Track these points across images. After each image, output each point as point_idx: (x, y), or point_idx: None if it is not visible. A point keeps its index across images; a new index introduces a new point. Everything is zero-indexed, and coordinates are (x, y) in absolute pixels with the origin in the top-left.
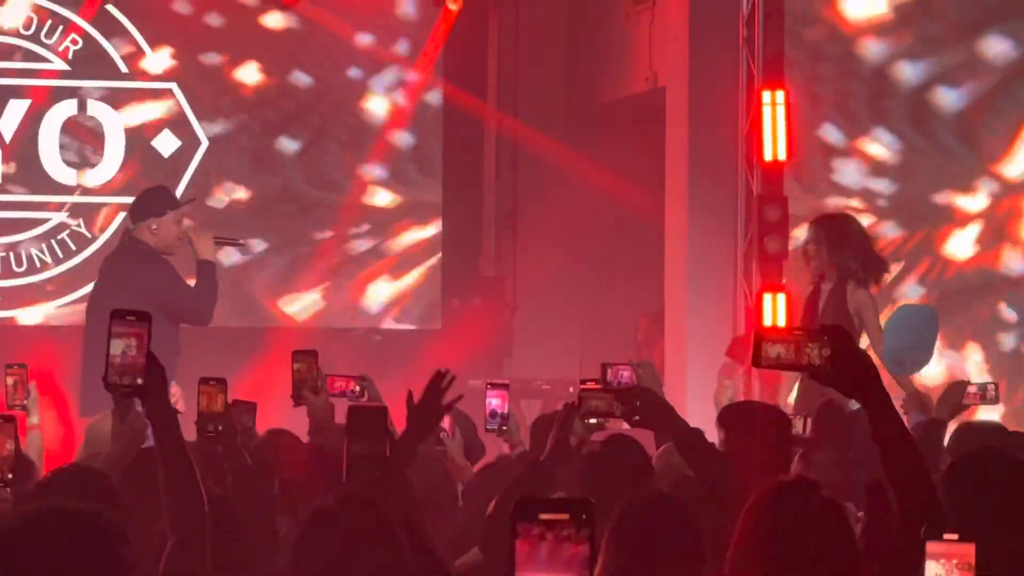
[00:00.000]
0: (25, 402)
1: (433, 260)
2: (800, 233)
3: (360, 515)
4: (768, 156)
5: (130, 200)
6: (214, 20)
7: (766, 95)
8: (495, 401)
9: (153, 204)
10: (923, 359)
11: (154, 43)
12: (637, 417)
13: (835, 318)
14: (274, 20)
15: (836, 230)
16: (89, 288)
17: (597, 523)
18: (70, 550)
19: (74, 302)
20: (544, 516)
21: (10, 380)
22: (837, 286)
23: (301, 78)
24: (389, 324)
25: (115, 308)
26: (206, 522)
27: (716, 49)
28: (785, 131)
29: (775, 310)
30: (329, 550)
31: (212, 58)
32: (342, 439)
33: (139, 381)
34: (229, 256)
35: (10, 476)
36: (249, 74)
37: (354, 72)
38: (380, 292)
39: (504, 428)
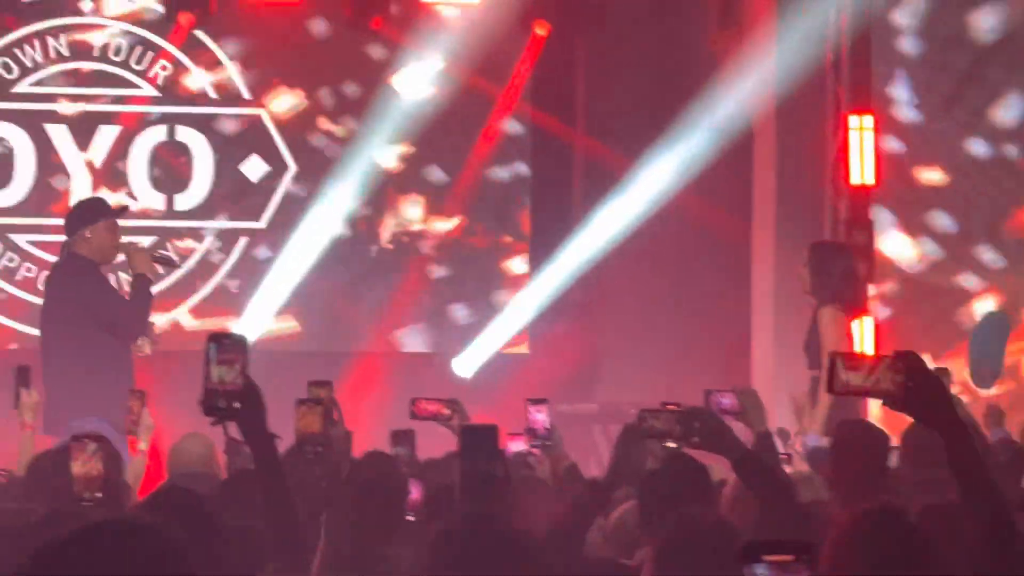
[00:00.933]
0: (137, 428)
1: (521, 285)
2: None
3: (487, 531)
4: (855, 180)
5: (220, 225)
6: (302, 45)
7: (853, 120)
8: (540, 416)
9: (85, 214)
10: (998, 370)
11: (243, 68)
12: (696, 439)
13: (814, 342)
14: (359, 42)
15: (823, 258)
16: (178, 312)
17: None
18: (120, 561)
19: (163, 326)
20: (769, 558)
21: (130, 405)
22: (816, 311)
23: (385, 101)
24: (475, 349)
25: (212, 333)
26: (305, 546)
27: (803, 74)
28: (873, 156)
29: (862, 334)
30: (459, 568)
31: (300, 82)
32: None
33: (237, 405)
34: (323, 278)
35: (99, 495)
36: (336, 99)
37: (441, 98)
38: (467, 317)
39: (548, 444)
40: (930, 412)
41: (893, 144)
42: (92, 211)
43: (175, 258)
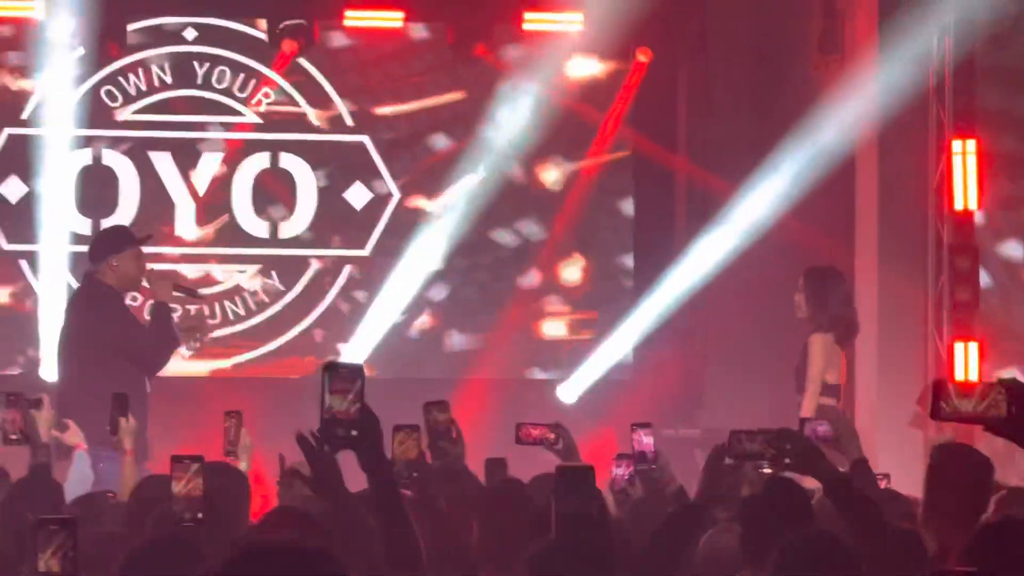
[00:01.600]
0: (236, 448)
1: (624, 311)
2: None
3: (583, 553)
4: (959, 205)
5: (325, 253)
6: (405, 72)
7: (956, 144)
8: (647, 440)
9: (112, 242)
10: None
11: (346, 96)
12: (788, 460)
13: (803, 367)
14: (463, 70)
15: (818, 284)
16: (283, 340)
17: None
18: None
19: (268, 354)
20: None
21: (226, 426)
22: (809, 336)
23: (489, 128)
24: (579, 375)
25: (328, 362)
26: (425, 572)
27: (906, 99)
28: (976, 180)
29: (967, 359)
30: None
31: (403, 111)
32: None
33: (354, 433)
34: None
35: (200, 516)
36: (439, 127)
37: (544, 124)
38: (570, 342)
39: (654, 467)
40: None
41: None
42: (119, 239)
43: (198, 290)
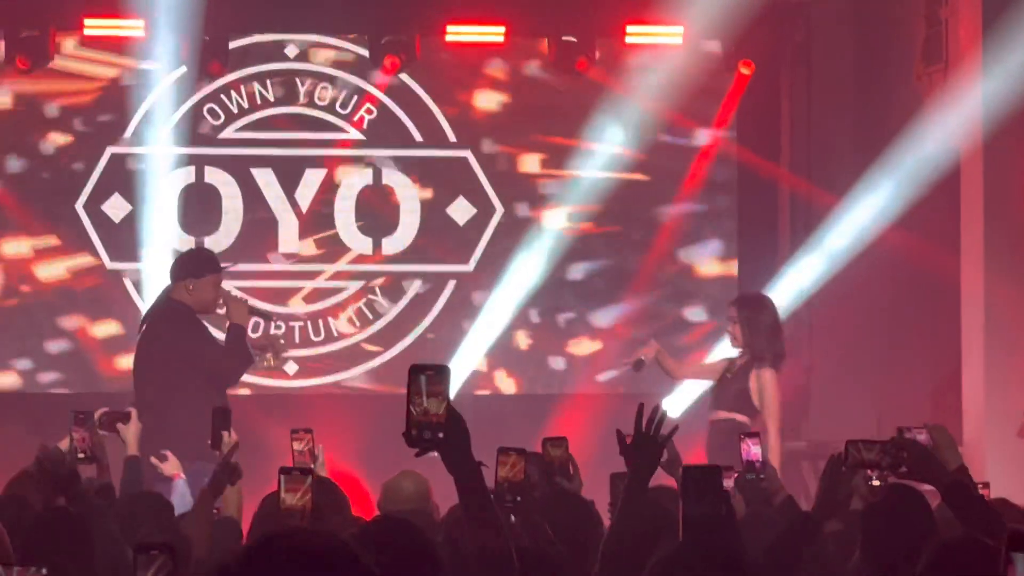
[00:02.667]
0: (312, 466)
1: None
2: None
3: (706, 560)
4: None
5: (427, 268)
6: (508, 89)
7: None
8: (755, 449)
9: (194, 265)
10: None
11: (448, 111)
12: (904, 468)
13: (736, 393)
14: (565, 84)
15: (751, 311)
16: (387, 356)
17: None
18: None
19: (373, 369)
20: None
21: (297, 445)
22: (747, 364)
23: (591, 142)
24: (684, 387)
25: (414, 365)
26: None
27: (1010, 107)
28: None
29: None
30: None
31: (505, 126)
32: None
33: (441, 436)
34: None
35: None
36: (541, 140)
37: (647, 137)
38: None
39: (762, 477)
40: None
41: None
42: (201, 265)
43: (272, 312)
